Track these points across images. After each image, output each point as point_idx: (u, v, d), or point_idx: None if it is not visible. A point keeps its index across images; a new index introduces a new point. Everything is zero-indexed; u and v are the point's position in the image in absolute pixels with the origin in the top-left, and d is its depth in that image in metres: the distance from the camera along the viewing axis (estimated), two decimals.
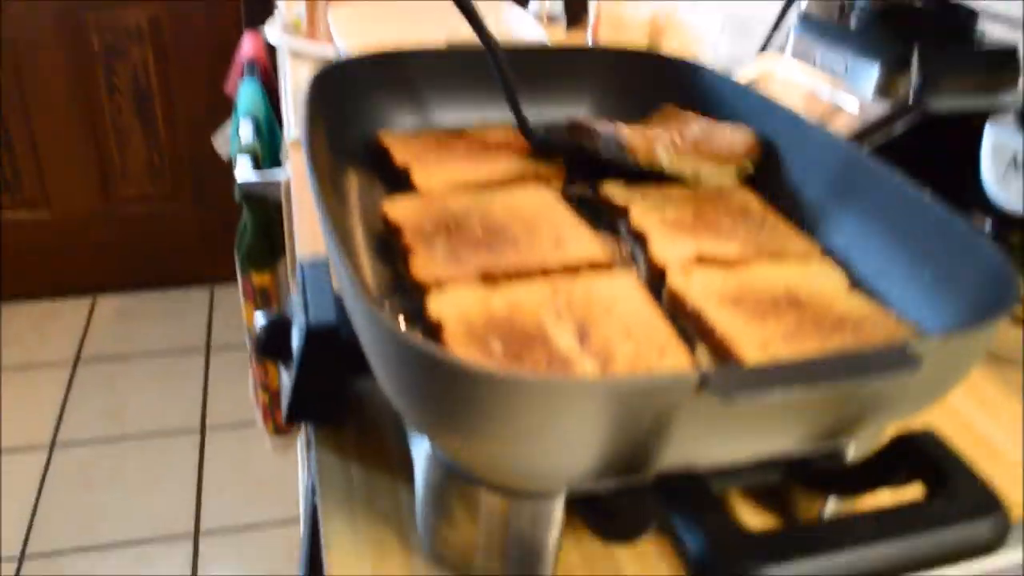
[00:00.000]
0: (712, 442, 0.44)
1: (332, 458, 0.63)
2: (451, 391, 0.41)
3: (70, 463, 2.08)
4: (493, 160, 0.78)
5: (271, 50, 1.66)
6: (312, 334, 0.62)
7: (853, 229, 0.66)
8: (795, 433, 0.46)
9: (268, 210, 1.28)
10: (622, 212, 0.70)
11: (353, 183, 0.76)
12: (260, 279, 1.30)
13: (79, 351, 2.42)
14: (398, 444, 0.63)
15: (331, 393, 0.64)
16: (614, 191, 0.73)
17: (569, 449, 0.43)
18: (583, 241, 0.65)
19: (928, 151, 0.83)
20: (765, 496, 0.59)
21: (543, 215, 0.68)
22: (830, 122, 0.86)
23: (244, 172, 1.22)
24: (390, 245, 0.66)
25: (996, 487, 0.42)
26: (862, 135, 0.82)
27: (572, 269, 0.62)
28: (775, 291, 0.61)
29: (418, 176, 0.74)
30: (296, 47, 1.35)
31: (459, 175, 0.74)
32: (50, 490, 2.01)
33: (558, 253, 0.63)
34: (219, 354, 2.41)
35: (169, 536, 1.90)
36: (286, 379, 0.67)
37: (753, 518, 0.58)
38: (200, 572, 1.83)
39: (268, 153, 1.35)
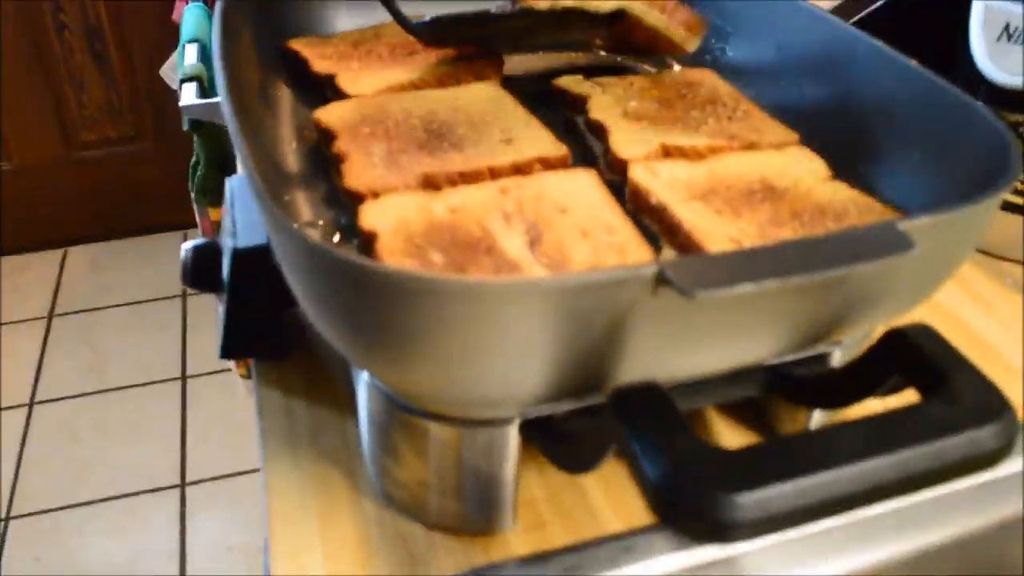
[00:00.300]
0: (676, 349, 0.39)
1: (274, 394, 0.58)
2: (375, 305, 0.35)
3: (51, 420, 2.03)
4: (423, 59, 0.70)
5: None
6: (240, 257, 0.56)
7: (833, 111, 0.60)
8: (771, 336, 0.41)
9: (220, 138, 1.21)
10: (579, 105, 0.64)
11: (284, 94, 0.69)
12: (217, 214, 1.24)
13: (53, 305, 2.35)
14: (344, 375, 0.58)
15: (268, 323, 0.58)
16: (569, 82, 0.66)
17: (516, 365, 0.37)
18: (535, 138, 0.58)
19: (911, 23, 0.76)
20: (744, 411, 0.53)
21: (491, 113, 0.61)
22: None
23: (189, 97, 1.14)
24: (327, 157, 0.60)
25: (997, 385, 0.36)
26: (844, 10, 0.75)
27: (523, 168, 0.56)
28: (748, 181, 0.54)
29: (345, 82, 0.66)
30: None
31: (389, 78, 0.67)
32: (32, 449, 1.96)
33: (508, 152, 0.57)
34: (196, 299, 2.34)
35: (155, 488, 1.87)
36: (220, 310, 0.61)
37: (731, 436, 0.53)
38: (188, 523, 1.80)
39: None
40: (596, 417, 0.42)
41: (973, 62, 0.68)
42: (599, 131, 0.60)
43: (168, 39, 2.21)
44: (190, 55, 1.23)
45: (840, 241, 0.36)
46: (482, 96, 0.63)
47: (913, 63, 0.54)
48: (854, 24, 0.72)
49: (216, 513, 1.81)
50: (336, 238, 0.53)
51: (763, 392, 0.47)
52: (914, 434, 0.34)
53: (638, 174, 0.54)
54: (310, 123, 0.62)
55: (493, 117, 0.61)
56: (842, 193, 0.54)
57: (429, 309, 0.34)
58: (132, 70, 2.37)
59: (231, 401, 2.02)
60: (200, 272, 0.60)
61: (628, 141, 0.58)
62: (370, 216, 0.50)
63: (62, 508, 1.83)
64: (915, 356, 0.38)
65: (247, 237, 0.56)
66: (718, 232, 0.49)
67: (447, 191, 0.52)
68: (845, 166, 0.58)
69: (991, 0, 0.68)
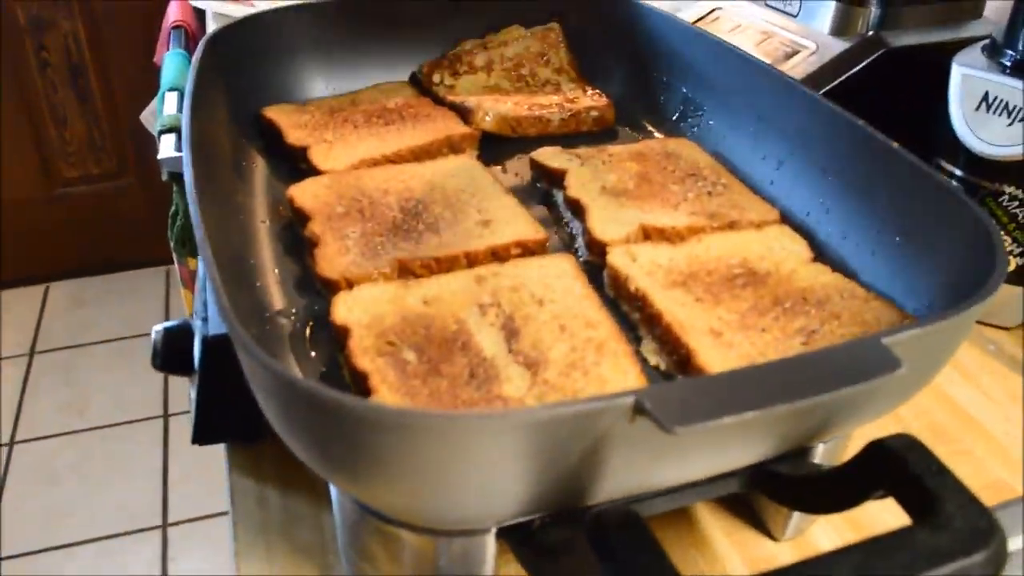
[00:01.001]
0: (655, 468, 0.37)
1: (247, 481, 0.55)
2: (345, 435, 0.34)
3: (31, 460, 1.99)
4: (397, 130, 0.69)
5: (200, 15, 1.55)
6: (211, 345, 0.54)
7: (813, 187, 0.59)
8: (751, 448, 0.39)
9: None
10: (557, 179, 0.62)
11: (259, 165, 0.67)
12: (196, 264, 1.21)
13: (34, 342, 2.31)
14: None
15: (242, 408, 0.56)
16: (547, 155, 0.65)
17: (490, 489, 0.36)
18: (513, 219, 0.57)
19: (891, 92, 0.75)
20: (731, 502, 0.52)
21: (468, 190, 0.60)
22: (785, 64, 0.78)
23: (167, 150, 1.12)
24: (300, 236, 0.58)
25: (987, 507, 0.35)
26: (819, 77, 0.74)
27: (501, 253, 0.54)
28: (729, 265, 0.53)
29: (317, 156, 0.65)
30: (222, 9, 1.24)
31: (362, 151, 0.65)
32: (12, 490, 1.92)
33: (485, 235, 0.55)
34: None
35: (137, 530, 1.83)
36: (192, 394, 0.59)
37: (719, 527, 0.51)
38: (170, 565, 1.76)
39: None
40: (575, 526, 0.40)
41: (953, 130, 0.67)
42: (577, 210, 0.59)
43: (151, 76, 2.19)
44: (169, 104, 1.21)
45: (824, 363, 0.35)
46: (458, 171, 0.62)
47: (894, 144, 0.53)
48: (829, 92, 0.71)
49: (199, 554, 1.78)
50: (308, 331, 0.51)
51: (746, 489, 0.45)
52: (903, 566, 0.32)
53: (617, 259, 0.53)
54: (285, 198, 0.61)
55: (470, 195, 0.59)
56: (824, 277, 0.53)
57: (400, 441, 0.32)
58: (114, 107, 2.34)
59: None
60: (171, 356, 0.58)
61: (607, 221, 0.57)
62: (343, 310, 0.48)
63: (41, 551, 1.79)
64: (900, 471, 0.37)
65: (217, 324, 0.54)
66: (698, 323, 0.48)
67: (422, 281, 0.51)
68: (827, 245, 0.57)
69: (969, 69, 0.67)
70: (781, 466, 0.44)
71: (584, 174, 0.62)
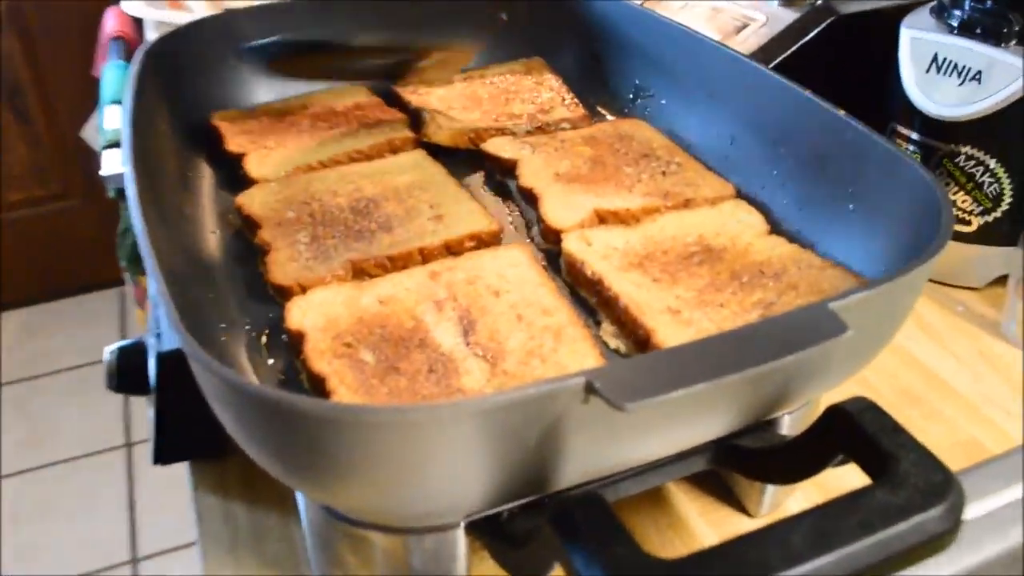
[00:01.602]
0: (615, 448, 0.39)
1: (212, 499, 0.57)
2: (302, 438, 0.35)
3: None
4: (342, 133, 0.70)
5: (138, 23, 1.55)
6: (166, 362, 0.55)
7: (767, 161, 0.61)
8: (710, 422, 0.41)
9: None
10: (510, 168, 0.64)
11: (206, 174, 0.68)
12: None
13: None
14: None
15: (202, 424, 0.57)
16: (498, 146, 0.66)
17: (452, 482, 0.37)
18: (466, 212, 0.59)
19: (843, 61, 0.77)
20: (704, 481, 0.54)
21: (419, 185, 0.62)
22: (736, 37, 0.80)
23: (111, 165, 1.13)
24: (252, 244, 0.60)
25: (942, 462, 0.37)
26: (771, 49, 0.76)
27: (455, 247, 0.56)
28: (685, 244, 0.55)
29: (252, 164, 0.66)
30: (161, 18, 1.24)
31: (298, 159, 0.67)
32: None
33: (438, 230, 0.57)
34: None
35: (107, 567, 1.83)
36: (151, 414, 0.60)
37: (694, 507, 0.53)
38: None
39: None
40: (543, 513, 0.42)
41: (906, 94, 0.70)
42: (531, 198, 0.61)
43: (92, 90, 2.18)
44: (111, 119, 1.21)
45: (770, 330, 0.37)
46: (409, 167, 0.64)
47: (840, 112, 0.55)
48: (779, 65, 0.73)
49: None
50: (264, 339, 0.52)
51: (713, 466, 0.47)
52: (860, 525, 0.34)
53: (572, 245, 0.55)
54: (233, 206, 0.62)
55: (421, 191, 0.61)
56: (780, 248, 0.55)
57: (357, 439, 0.34)
58: (57, 124, 2.33)
59: (180, 466, 1.98)
60: (127, 376, 0.59)
61: (560, 208, 0.59)
62: (297, 314, 0.49)
63: None
64: (857, 434, 0.39)
65: (171, 339, 0.55)
66: (655, 303, 0.50)
67: (376, 281, 0.52)
68: (783, 218, 0.59)
69: (918, 32, 0.69)
70: (747, 439, 0.46)
71: (536, 162, 0.64)
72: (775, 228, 0.58)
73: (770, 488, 0.51)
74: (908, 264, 0.41)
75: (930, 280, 0.73)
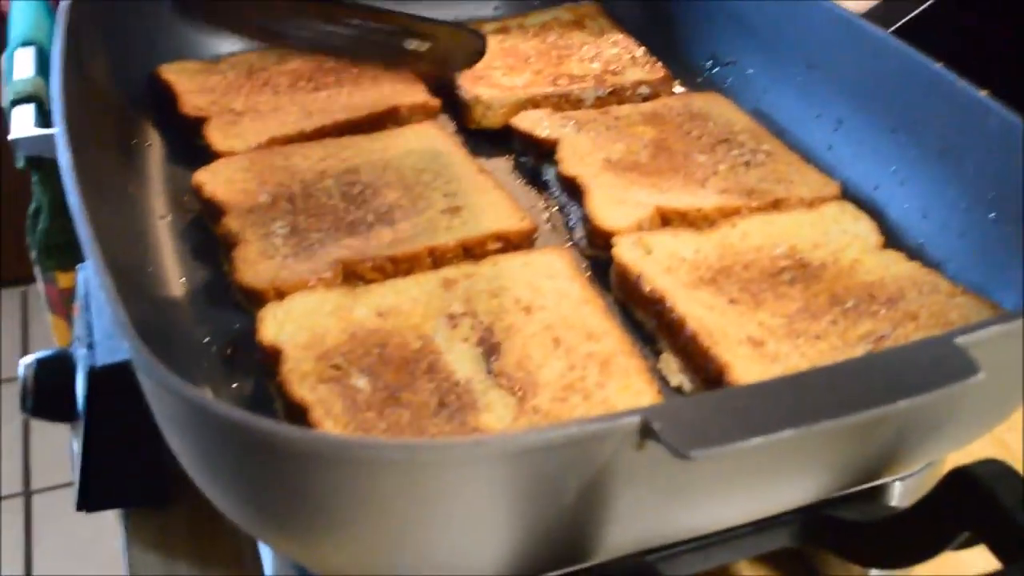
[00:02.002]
0: (676, 509, 0.41)
1: (150, 557, 0.59)
2: (277, 475, 0.37)
3: None
4: (331, 95, 0.72)
5: None
6: (99, 378, 0.57)
7: (882, 152, 0.63)
8: (800, 482, 0.43)
9: None
10: (546, 151, 0.66)
11: (155, 143, 0.71)
12: (68, 279, 1.25)
13: None
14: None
15: (140, 462, 0.60)
16: (532, 121, 0.69)
17: (462, 541, 0.39)
18: (490, 205, 0.61)
19: (989, 24, 0.79)
20: (785, 561, 0.56)
21: (431, 169, 0.64)
22: None
23: (23, 126, 1.15)
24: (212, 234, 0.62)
25: None
26: (894, 7, 0.78)
27: (475, 248, 0.58)
28: (773, 256, 0.57)
29: (215, 132, 0.68)
30: None
31: (276, 127, 0.69)
32: None
33: (454, 226, 0.59)
34: None
35: None
36: (76, 446, 0.62)
37: None
38: None
39: None
40: None
41: None
42: (574, 190, 0.63)
43: None
44: (23, 65, 1.24)
45: (878, 368, 0.39)
46: (419, 145, 0.66)
47: (982, 93, 0.57)
48: (901, 28, 0.75)
49: None
50: (227, 355, 0.55)
51: (800, 542, 0.49)
52: None
53: (626, 252, 0.57)
54: (191, 185, 0.64)
55: (433, 176, 0.63)
56: (897, 267, 0.57)
57: (348, 480, 0.36)
58: None
59: (108, 514, 2.00)
60: (47, 396, 0.61)
61: (613, 203, 0.61)
62: (272, 326, 0.52)
63: None
64: (987, 505, 0.40)
65: (108, 350, 0.58)
66: (732, 332, 0.52)
67: (374, 287, 0.55)
68: (902, 227, 0.61)
69: None
70: (845, 510, 0.48)
71: (582, 144, 0.66)
72: (891, 240, 0.59)
73: (873, 574, 0.53)
74: None
75: None
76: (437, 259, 0.58)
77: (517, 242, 0.59)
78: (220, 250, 0.60)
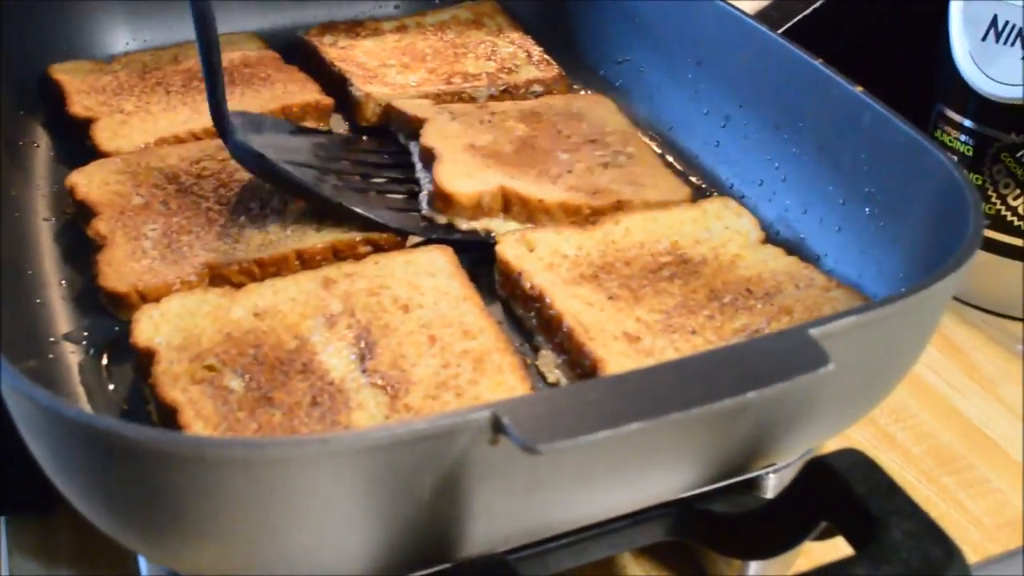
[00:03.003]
0: (536, 505, 0.41)
1: (31, 565, 0.58)
2: (133, 479, 0.37)
3: None
4: (229, 93, 0.70)
5: None
6: None
7: (766, 148, 0.64)
8: (660, 476, 0.44)
9: None
10: (414, 129, 0.68)
11: (42, 145, 0.71)
12: None
13: None
14: None
15: (21, 467, 0.59)
16: (414, 104, 0.70)
17: (321, 541, 0.39)
18: None
19: (875, 27, 0.81)
20: (666, 553, 0.57)
21: None
22: None
23: None
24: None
25: (944, 532, 0.40)
26: (780, 10, 0.80)
27: (344, 251, 0.59)
28: (655, 252, 0.58)
29: (102, 133, 0.68)
30: None
31: (163, 127, 0.69)
32: None
33: (324, 228, 0.60)
34: None
35: None
36: None
37: None
38: None
39: None
40: None
41: (956, 69, 0.73)
42: (429, 159, 0.64)
43: None
44: None
45: (732, 360, 0.39)
46: None
47: (858, 89, 0.58)
48: (789, 30, 0.77)
49: None
50: (104, 358, 0.54)
51: (673, 536, 0.49)
52: None
53: (508, 249, 0.58)
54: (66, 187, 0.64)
55: None
56: (776, 262, 0.58)
57: (201, 481, 0.36)
58: None
59: None
60: None
61: (461, 176, 0.62)
62: (148, 327, 0.52)
63: None
64: (842, 494, 0.41)
65: None
66: (609, 327, 0.53)
67: (252, 288, 0.55)
68: (782, 223, 0.62)
69: None
70: (716, 503, 0.49)
71: (451, 128, 0.67)
72: (771, 236, 0.61)
73: (753, 566, 0.54)
74: (918, 283, 0.44)
75: (981, 309, 0.77)
76: (305, 262, 0.58)
77: (387, 246, 0.60)
78: (92, 253, 0.60)
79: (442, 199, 0.61)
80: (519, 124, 0.69)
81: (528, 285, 0.56)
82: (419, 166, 0.66)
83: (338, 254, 0.59)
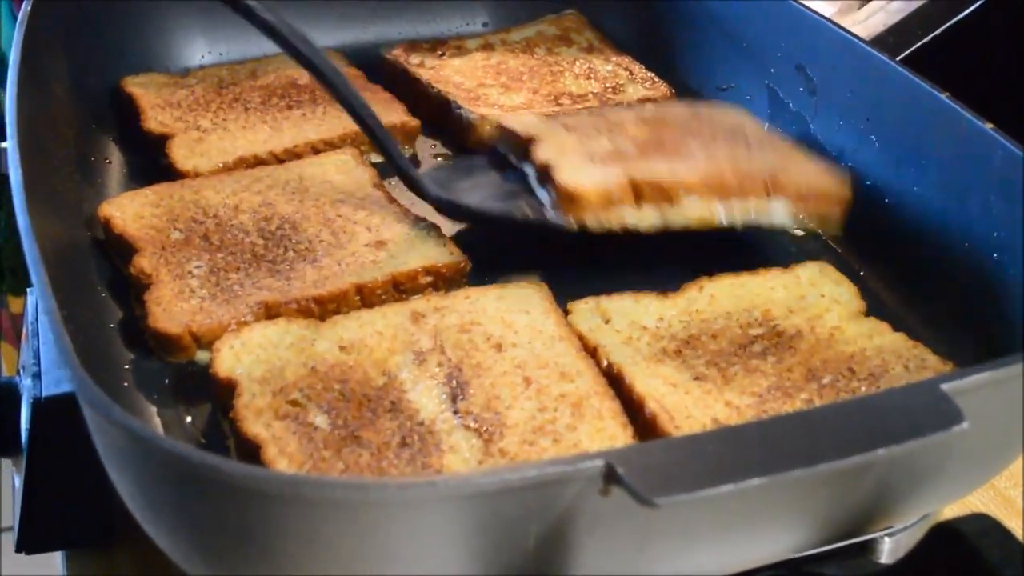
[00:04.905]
0: (647, 559, 0.42)
1: None
2: (224, 514, 0.39)
3: None
4: (306, 114, 0.74)
5: None
6: (44, 409, 0.58)
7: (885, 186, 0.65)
8: (776, 534, 0.44)
9: None
10: (522, 149, 0.67)
11: (115, 160, 0.73)
12: (20, 305, 1.26)
13: None
14: None
15: (85, 500, 0.61)
16: (521, 121, 0.70)
17: None
18: (417, 236, 0.63)
19: (999, 50, 0.81)
20: None
21: (350, 202, 0.66)
22: (858, 13, 0.84)
23: None
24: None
25: None
26: (907, 29, 0.80)
27: (404, 283, 0.60)
28: (744, 323, 0.58)
29: (179, 151, 0.70)
30: None
31: (247, 144, 0.71)
32: None
33: (380, 261, 0.61)
34: None
35: None
36: (17, 482, 0.63)
37: None
38: None
39: None
40: None
41: None
42: (546, 175, 0.64)
43: None
44: None
45: (858, 414, 0.40)
46: (335, 174, 0.68)
47: (989, 127, 0.58)
48: (905, 60, 0.77)
49: None
50: (182, 387, 0.56)
51: None
52: None
53: (581, 320, 0.58)
54: (98, 218, 0.64)
55: (354, 208, 0.65)
56: (883, 338, 0.57)
57: (295, 520, 0.37)
58: None
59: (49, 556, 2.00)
60: None
61: (581, 172, 0.62)
62: (229, 358, 0.53)
63: None
64: (972, 562, 0.41)
65: (55, 380, 0.59)
66: (696, 414, 0.52)
67: (337, 320, 0.56)
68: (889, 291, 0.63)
69: None
70: (828, 566, 0.49)
71: (567, 141, 0.67)
72: (873, 306, 0.60)
73: None
74: None
75: None
76: (365, 297, 0.59)
77: (449, 276, 0.61)
78: (131, 292, 0.61)
79: (567, 199, 0.61)
80: (641, 127, 0.69)
81: (604, 363, 0.55)
82: (535, 184, 0.66)
83: (398, 287, 0.60)
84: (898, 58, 0.77)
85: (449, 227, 0.66)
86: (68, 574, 0.61)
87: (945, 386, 0.41)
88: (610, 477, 0.37)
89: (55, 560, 0.63)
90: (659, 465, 0.37)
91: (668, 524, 0.40)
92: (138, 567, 0.60)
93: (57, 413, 0.58)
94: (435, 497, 0.37)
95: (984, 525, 0.42)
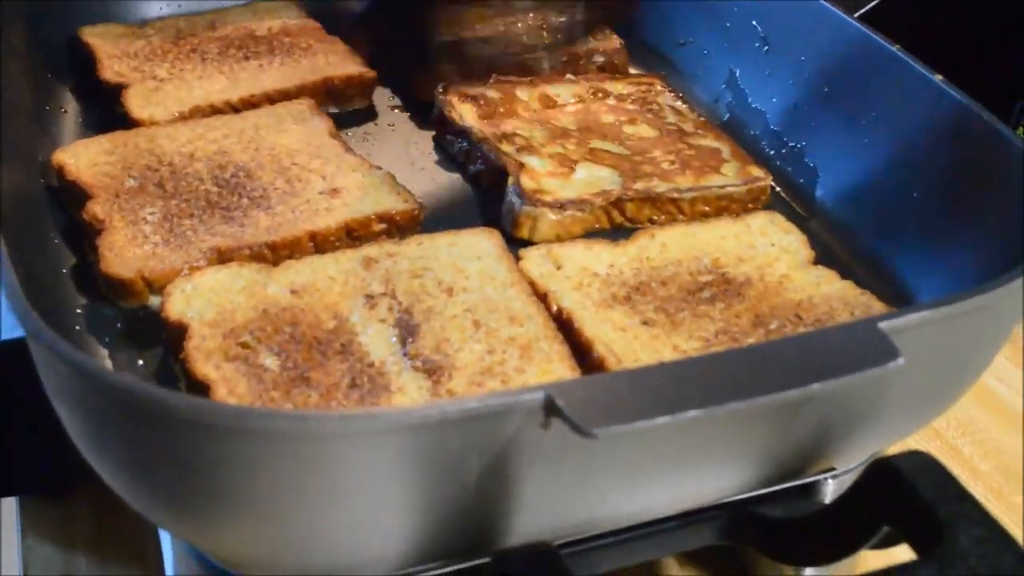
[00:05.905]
0: (584, 496, 0.42)
1: (48, 549, 0.60)
2: (170, 447, 0.38)
3: None
4: (263, 65, 0.75)
5: None
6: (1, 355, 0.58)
7: (835, 149, 0.66)
8: (716, 471, 0.45)
9: None
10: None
11: (71, 111, 0.73)
12: None
13: None
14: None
15: (41, 446, 0.61)
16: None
17: (361, 523, 0.40)
18: (370, 185, 0.63)
19: (950, 14, 0.81)
20: (711, 557, 0.57)
21: (305, 150, 0.66)
22: None
23: None
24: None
25: (1015, 540, 0.40)
26: None
27: (358, 231, 0.61)
28: (694, 270, 0.59)
29: (134, 100, 0.70)
30: None
31: (202, 94, 0.71)
32: None
33: (334, 208, 0.61)
34: None
35: None
36: None
37: None
38: None
39: None
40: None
41: None
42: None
43: None
44: None
45: (798, 351, 0.40)
46: (291, 123, 0.68)
47: (938, 78, 0.59)
48: (864, 16, 0.77)
49: None
50: (135, 331, 0.56)
51: (725, 540, 0.50)
52: None
53: (533, 266, 0.58)
54: (52, 165, 0.65)
55: (309, 156, 0.65)
56: (830, 285, 0.58)
57: (242, 454, 0.37)
58: None
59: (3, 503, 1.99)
60: None
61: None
62: (180, 301, 0.53)
63: None
64: (907, 498, 0.42)
65: (11, 326, 0.59)
66: (643, 357, 0.53)
67: (288, 265, 0.56)
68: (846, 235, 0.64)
69: None
70: (770, 507, 0.49)
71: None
72: (823, 255, 0.61)
73: (808, 572, 0.54)
74: (995, 279, 0.44)
75: None
76: (319, 244, 0.60)
77: (403, 223, 0.61)
78: (84, 237, 0.61)
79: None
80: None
81: (555, 308, 0.56)
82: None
83: (351, 234, 0.60)
84: (856, 15, 0.77)
85: (404, 176, 0.66)
86: (23, 524, 0.61)
87: (882, 324, 0.41)
88: (550, 409, 0.37)
89: (11, 506, 0.63)
90: (598, 398, 0.37)
91: (609, 459, 0.41)
92: (94, 517, 0.61)
93: (11, 358, 0.58)
94: (376, 429, 0.37)
95: (921, 461, 0.43)
